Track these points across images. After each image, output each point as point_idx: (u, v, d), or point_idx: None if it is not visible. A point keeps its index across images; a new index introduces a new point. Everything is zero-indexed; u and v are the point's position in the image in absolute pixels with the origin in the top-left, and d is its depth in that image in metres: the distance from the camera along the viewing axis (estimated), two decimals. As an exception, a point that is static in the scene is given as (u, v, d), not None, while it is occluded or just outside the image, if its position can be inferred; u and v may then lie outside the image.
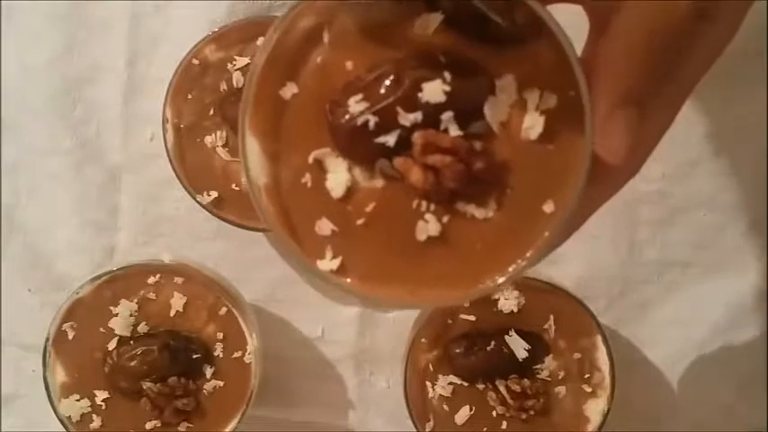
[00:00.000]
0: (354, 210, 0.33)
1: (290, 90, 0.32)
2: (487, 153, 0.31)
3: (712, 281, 0.59)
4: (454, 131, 0.31)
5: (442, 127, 0.31)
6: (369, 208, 0.32)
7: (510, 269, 0.32)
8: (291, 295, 0.61)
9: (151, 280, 0.54)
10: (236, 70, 0.54)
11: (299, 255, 0.33)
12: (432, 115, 0.31)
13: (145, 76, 0.61)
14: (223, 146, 0.55)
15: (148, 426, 0.53)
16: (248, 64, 0.54)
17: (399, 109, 0.31)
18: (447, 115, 0.31)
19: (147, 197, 0.61)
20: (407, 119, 0.31)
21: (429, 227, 0.32)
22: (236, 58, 0.55)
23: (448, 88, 0.30)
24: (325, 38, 0.32)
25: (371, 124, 0.31)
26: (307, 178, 0.32)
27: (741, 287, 0.59)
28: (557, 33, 0.30)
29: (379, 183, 0.32)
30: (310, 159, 0.32)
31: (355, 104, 0.31)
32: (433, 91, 0.30)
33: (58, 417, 0.53)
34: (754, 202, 0.59)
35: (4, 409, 0.62)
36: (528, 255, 0.32)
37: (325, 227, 0.33)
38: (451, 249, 0.32)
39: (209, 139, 0.55)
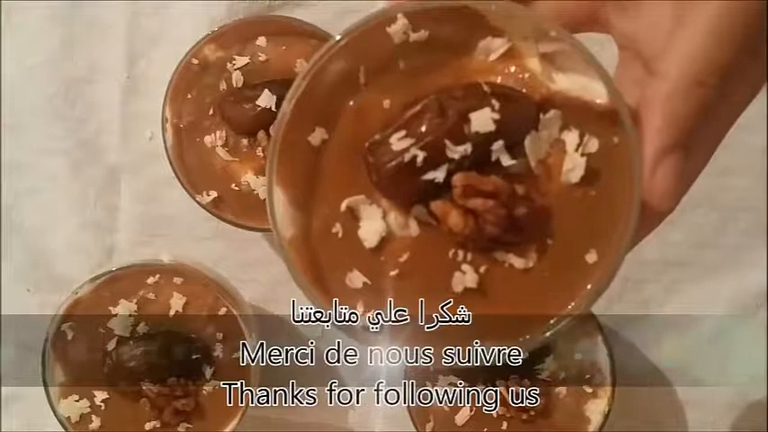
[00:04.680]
0: (387, 260, 0.31)
1: (319, 136, 0.31)
2: (530, 198, 0.30)
3: (713, 280, 0.59)
4: (506, 161, 0.29)
5: (493, 158, 0.30)
6: (403, 258, 0.31)
7: (551, 323, 0.30)
8: (291, 295, 0.61)
9: (150, 280, 0.54)
10: (235, 70, 0.54)
11: (329, 311, 0.31)
12: (480, 147, 0.29)
13: (144, 76, 0.61)
14: (222, 145, 0.55)
15: (148, 426, 0.53)
16: (248, 63, 0.54)
17: (447, 142, 0.29)
18: (498, 145, 0.29)
19: (146, 197, 0.61)
20: (456, 151, 0.29)
21: (466, 278, 0.31)
22: (236, 57, 0.54)
23: (497, 116, 0.29)
24: (359, 80, 0.31)
25: (419, 160, 0.29)
26: (337, 228, 0.31)
27: (742, 286, 0.59)
28: (604, 83, 0.29)
29: (414, 231, 0.31)
30: (342, 207, 0.31)
31: (398, 141, 0.29)
32: (482, 120, 0.29)
33: (57, 417, 0.53)
34: (755, 202, 0.59)
35: (3, 410, 0.62)
36: (570, 307, 0.30)
37: (356, 279, 0.31)
38: (490, 301, 0.31)
39: (208, 139, 0.55)
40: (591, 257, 0.30)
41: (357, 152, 0.31)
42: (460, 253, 0.31)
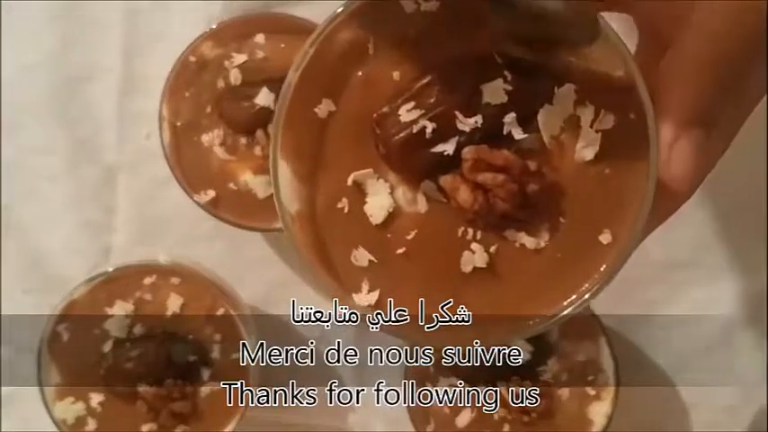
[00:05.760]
0: (394, 238, 0.30)
1: (326, 107, 0.30)
2: (542, 174, 0.29)
3: (715, 281, 0.59)
4: (518, 135, 0.29)
5: (505, 130, 0.29)
6: (410, 236, 0.30)
7: (563, 305, 0.30)
8: (290, 296, 0.60)
9: (147, 281, 0.53)
10: (233, 67, 0.54)
11: (332, 288, 0.30)
12: (492, 119, 0.29)
13: (141, 74, 0.60)
14: (221, 144, 0.55)
15: (144, 429, 0.52)
16: (246, 61, 0.54)
17: (458, 114, 0.29)
18: (510, 117, 0.29)
19: (143, 196, 0.61)
20: (467, 124, 0.29)
21: (476, 257, 0.30)
22: (234, 55, 0.54)
23: (510, 88, 0.28)
24: (367, 50, 0.30)
25: (428, 131, 0.29)
26: (344, 203, 0.30)
27: (745, 288, 0.59)
28: (620, 49, 0.28)
29: (422, 207, 0.30)
30: (349, 181, 0.30)
31: (407, 113, 0.29)
32: (494, 91, 0.29)
33: (52, 419, 0.53)
34: (757, 203, 0.58)
35: (3, 411, 0.62)
36: (583, 289, 0.30)
37: (362, 257, 0.30)
38: (500, 282, 0.30)
39: (206, 138, 0.55)
40: (605, 238, 0.30)
41: (365, 124, 0.30)
42: (470, 231, 0.30)
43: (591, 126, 0.29)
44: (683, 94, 0.28)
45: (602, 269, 0.30)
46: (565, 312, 0.30)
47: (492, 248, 0.30)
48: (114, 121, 0.61)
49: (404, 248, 0.30)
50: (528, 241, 0.30)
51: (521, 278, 0.30)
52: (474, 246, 0.30)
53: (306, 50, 0.30)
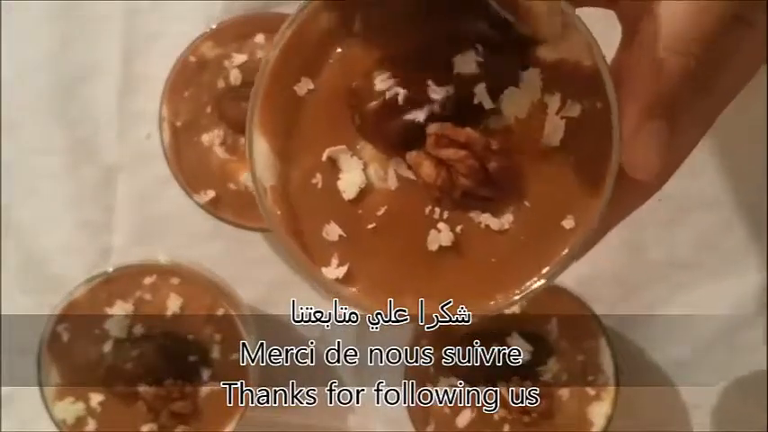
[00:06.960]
0: (365, 214, 0.31)
1: (305, 86, 0.31)
2: (504, 153, 0.30)
3: (717, 282, 0.59)
4: (488, 104, 0.30)
5: (476, 100, 0.30)
6: (380, 212, 0.31)
7: (525, 286, 0.31)
8: (290, 296, 0.60)
9: (147, 281, 0.53)
10: (233, 67, 0.54)
11: (303, 261, 0.31)
12: (463, 88, 0.30)
13: (141, 74, 0.60)
14: (221, 144, 0.55)
15: (144, 429, 0.52)
16: (246, 61, 0.54)
17: (430, 82, 0.29)
18: (480, 87, 0.30)
19: (143, 197, 0.61)
20: (438, 92, 0.29)
21: (441, 236, 0.31)
22: (234, 54, 0.54)
23: (481, 59, 0.29)
24: (344, 30, 0.31)
25: (401, 98, 0.30)
26: (318, 179, 0.31)
27: (745, 288, 0.59)
28: (587, 40, 0.29)
29: (392, 184, 0.31)
30: (324, 157, 0.31)
31: (382, 83, 0.30)
32: (466, 62, 0.29)
33: (52, 419, 0.53)
34: (757, 203, 0.58)
35: (3, 411, 0.62)
36: (544, 272, 0.31)
37: (333, 232, 0.31)
38: (464, 261, 0.31)
39: (206, 138, 0.55)
40: (568, 223, 0.30)
41: (342, 102, 0.31)
42: (437, 210, 0.31)
43: (557, 113, 0.30)
44: (643, 84, 0.29)
45: (563, 253, 0.30)
46: (524, 294, 0.31)
47: (458, 228, 0.31)
48: (114, 121, 0.60)
49: (374, 224, 0.31)
50: (492, 222, 0.31)
51: (484, 257, 0.31)
52: (440, 225, 0.31)
53: (284, 30, 0.30)
